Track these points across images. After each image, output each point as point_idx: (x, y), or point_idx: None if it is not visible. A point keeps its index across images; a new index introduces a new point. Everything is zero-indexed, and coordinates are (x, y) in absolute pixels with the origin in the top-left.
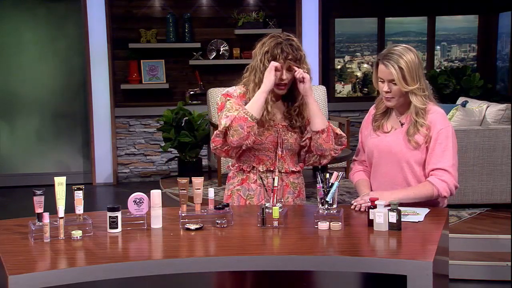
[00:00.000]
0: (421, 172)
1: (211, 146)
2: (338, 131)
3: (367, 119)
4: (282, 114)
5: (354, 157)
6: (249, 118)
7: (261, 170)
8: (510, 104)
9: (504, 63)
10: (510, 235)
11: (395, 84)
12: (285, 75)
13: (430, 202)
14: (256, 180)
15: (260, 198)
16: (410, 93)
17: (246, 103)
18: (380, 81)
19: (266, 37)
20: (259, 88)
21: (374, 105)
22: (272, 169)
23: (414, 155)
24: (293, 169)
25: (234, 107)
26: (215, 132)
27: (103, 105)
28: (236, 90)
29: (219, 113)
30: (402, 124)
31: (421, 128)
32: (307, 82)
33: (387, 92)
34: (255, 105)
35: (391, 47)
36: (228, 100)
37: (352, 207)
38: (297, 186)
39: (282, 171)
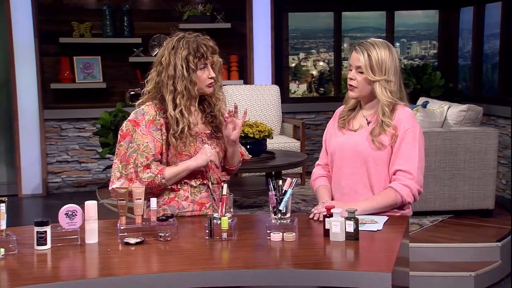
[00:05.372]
0: (386, 174)
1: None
2: (245, 155)
3: (332, 120)
4: (202, 122)
5: (317, 162)
6: (162, 186)
7: (194, 185)
8: (472, 105)
9: (466, 61)
10: (472, 244)
11: (361, 72)
12: (213, 73)
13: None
14: (187, 196)
15: (193, 215)
16: (374, 84)
17: (157, 129)
18: (349, 69)
19: (173, 42)
20: (183, 97)
21: (343, 105)
22: (205, 182)
23: (379, 155)
24: (224, 178)
25: (142, 146)
26: (114, 178)
27: (30, 106)
28: (145, 115)
29: (121, 142)
30: (368, 123)
31: (388, 128)
32: (238, 128)
33: (351, 79)
34: (177, 177)
35: (370, 38)
36: (135, 130)
37: (311, 215)
38: None
39: (214, 183)
